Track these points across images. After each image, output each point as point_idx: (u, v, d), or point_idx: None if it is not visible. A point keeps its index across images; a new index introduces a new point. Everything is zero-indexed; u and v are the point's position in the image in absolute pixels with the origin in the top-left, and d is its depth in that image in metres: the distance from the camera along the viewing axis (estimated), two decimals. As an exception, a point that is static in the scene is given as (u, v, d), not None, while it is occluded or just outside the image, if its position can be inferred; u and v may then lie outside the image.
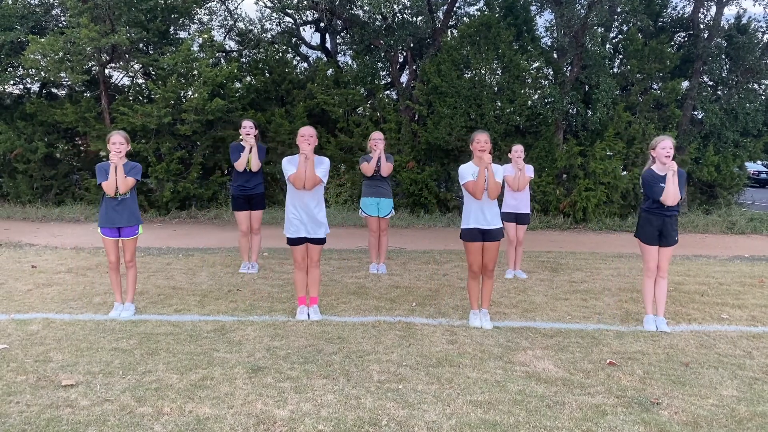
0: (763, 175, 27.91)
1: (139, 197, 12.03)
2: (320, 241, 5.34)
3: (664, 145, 5.01)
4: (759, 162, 26.78)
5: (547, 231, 11.60)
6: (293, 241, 5.30)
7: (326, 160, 5.25)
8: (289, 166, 5.16)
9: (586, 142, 12.46)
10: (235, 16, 15.52)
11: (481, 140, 5.06)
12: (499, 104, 12.24)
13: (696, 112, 13.42)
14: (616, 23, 13.32)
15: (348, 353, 4.47)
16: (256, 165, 6.98)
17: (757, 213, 13.14)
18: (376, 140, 7.14)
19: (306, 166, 5.07)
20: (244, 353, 4.43)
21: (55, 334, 4.77)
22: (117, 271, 5.41)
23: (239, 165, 6.94)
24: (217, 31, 15.15)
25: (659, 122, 12.67)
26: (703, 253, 9.27)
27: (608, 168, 12.03)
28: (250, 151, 6.91)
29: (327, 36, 15.53)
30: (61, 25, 12.59)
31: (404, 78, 14.18)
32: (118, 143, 5.16)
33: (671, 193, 4.95)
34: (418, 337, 4.87)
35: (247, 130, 6.94)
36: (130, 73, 12.95)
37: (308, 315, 5.34)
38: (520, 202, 7.08)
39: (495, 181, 5.04)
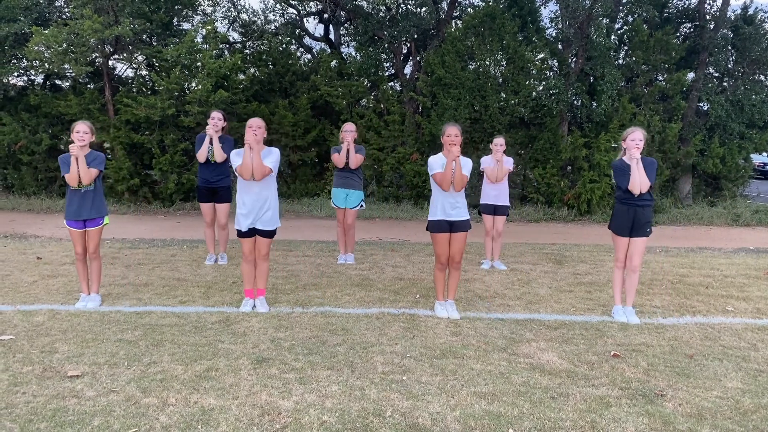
0: (769, 167, 27.74)
1: (143, 189, 12.14)
2: (269, 234, 5.29)
3: (634, 137, 5.04)
4: (765, 154, 26.64)
5: (551, 223, 11.59)
6: (241, 234, 5.27)
7: (275, 151, 5.22)
8: (236, 158, 5.15)
9: (590, 133, 12.41)
10: (239, 7, 15.51)
11: (452, 134, 5.05)
12: (504, 96, 12.20)
13: (701, 104, 13.35)
14: (622, 14, 13.23)
15: (352, 345, 4.48)
16: (220, 156, 6.83)
17: (763, 205, 13.09)
18: (347, 132, 7.12)
19: (252, 156, 5.05)
20: (249, 344, 4.44)
21: (60, 325, 4.80)
22: (84, 262, 5.42)
23: (200, 156, 6.87)
24: (221, 23, 15.13)
25: (664, 114, 12.61)
26: (708, 246, 9.25)
27: (613, 160, 11.97)
28: (211, 143, 6.81)
29: (330, 27, 15.48)
30: (64, 16, 12.56)
31: (408, 69, 14.13)
32: (82, 132, 5.12)
33: (636, 182, 4.99)
34: (422, 329, 4.88)
35: (215, 121, 6.83)
36: (134, 65, 12.92)
37: (254, 306, 5.36)
38: (499, 193, 7.13)
39: (462, 174, 5.07)
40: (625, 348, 4.53)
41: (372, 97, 13.83)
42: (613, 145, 12.23)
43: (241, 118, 11.85)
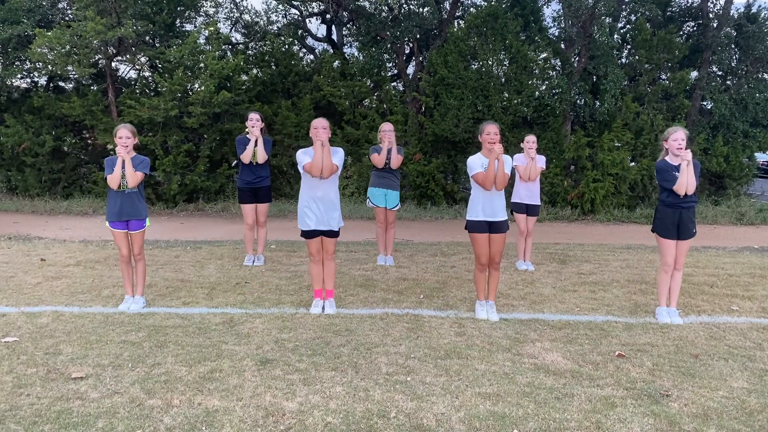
0: (773, 166, 27.62)
1: (146, 190, 12.13)
2: (334, 234, 5.31)
3: (676, 137, 4.98)
4: (768, 152, 26.53)
5: (555, 222, 11.56)
6: (307, 234, 5.28)
7: (340, 150, 5.26)
8: (303, 156, 5.15)
9: (594, 133, 12.39)
10: (241, 8, 15.51)
11: (491, 132, 5.03)
12: (507, 95, 12.18)
13: (705, 103, 13.31)
14: (624, 13, 13.20)
15: (356, 345, 4.47)
16: (262, 157, 6.97)
17: (767, 204, 13.04)
18: (387, 131, 7.14)
19: (323, 153, 5.06)
20: (253, 346, 4.44)
21: (64, 327, 4.80)
22: (129, 263, 5.43)
23: (245, 157, 6.96)
24: (223, 24, 15.14)
25: (668, 113, 12.57)
26: (713, 245, 9.21)
27: (616, 159, 11.96)
28: (256, 144, 6.92)
29: (333, 28, 15.48)
30: (67, 18, 12.59)
31: (411, 69, 14.12)
32: (125, 137, 5.15)
33: (684, 183, 4.92)
34: (426, 330, 4.87)
35: (254, 122, 6.95)
36: (137, 66, 12.95)
37: (323, 308, 5.35)
38: (531, 193, 7.06)
39: (504, 173, 5.02)
40: (629, 348, 4.52)
41: (375, 97, 13.82)
42: (616, 144, 12.21)
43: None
